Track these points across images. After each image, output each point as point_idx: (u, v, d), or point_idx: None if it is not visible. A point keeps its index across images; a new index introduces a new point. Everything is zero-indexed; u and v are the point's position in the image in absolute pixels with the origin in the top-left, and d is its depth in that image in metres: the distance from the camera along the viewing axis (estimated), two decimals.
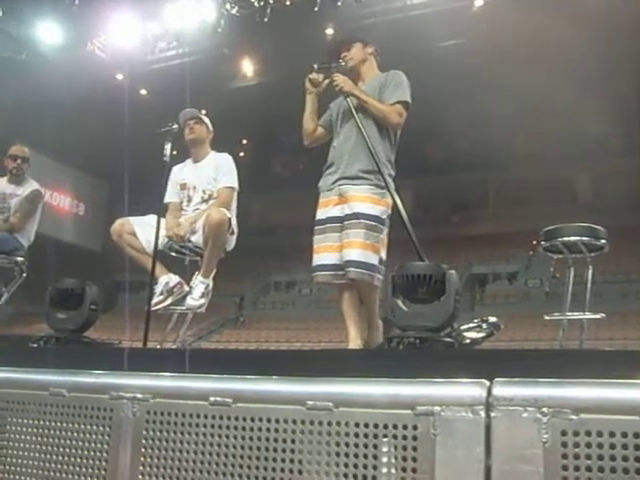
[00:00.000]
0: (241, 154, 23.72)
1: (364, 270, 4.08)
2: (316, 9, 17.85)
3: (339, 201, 4.28)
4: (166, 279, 5.03)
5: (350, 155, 4.31)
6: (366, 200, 4.18)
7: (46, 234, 10.78)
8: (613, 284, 21.32)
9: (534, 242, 5.36)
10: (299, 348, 18.79)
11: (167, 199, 5.32)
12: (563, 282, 5.41)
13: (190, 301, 4.98)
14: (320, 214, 4.40)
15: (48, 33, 19.95)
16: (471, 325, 3.42)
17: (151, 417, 2.57)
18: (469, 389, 2.11)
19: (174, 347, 5.35)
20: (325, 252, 4.30)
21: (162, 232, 4.87)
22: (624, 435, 1.89)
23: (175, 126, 4.86)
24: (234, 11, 18.82)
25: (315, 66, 4.45)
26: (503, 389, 2.06)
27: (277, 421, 2.33)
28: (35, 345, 3.60)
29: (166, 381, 2.65)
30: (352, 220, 4.16)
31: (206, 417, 2.47)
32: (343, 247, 4.18)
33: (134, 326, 5.57)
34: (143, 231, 4.96)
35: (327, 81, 4.47)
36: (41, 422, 2.81)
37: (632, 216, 22.31)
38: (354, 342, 4.18)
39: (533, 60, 17.66)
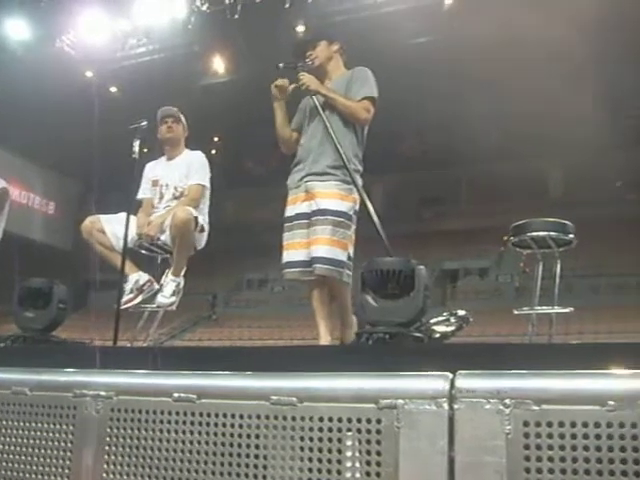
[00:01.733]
0: (213, 151, 23.65)
1: (331, 266, 4.09)
2: (287, 6, 17.85)
3: (306, 197, 4.27)
4: (136, 277, 5.01)
5: (316, 152, 4.31)
6: (333, 196, 4.18)
7: (15, 233, 10.65)
8: (583, 278, 21.52)
9: (504, 237, 5.39)
10: (272, 345, 18.76)
11: (140, 195, 5.31)
12: (533, 277, 5.45)
13: (161, 299, 4.97)
14: (288, 211, 4.40)
15: (16, 30, 19.77)
16: (440, 319, 3.42)
17: (115, 414, 2.56)
18: (432, 382, 2.12)
19: (144, 345, 5.33)
20: (293, 249, 4.30)
21: (132, 230, 4.85)
22: (585, 425, 1.91)
23: (144, 123, 4.83)
24: (204, 8, 18.78)
25: (280, 66, 4.43)
26: (466, 381, 2.08)
27: (241, 416, 2.33)
28: (2, 345, 3.56)
29: (130, 378, 2.64)
30: (319, 216, 4.16)
31: (170, 413, 2.46)
32: (310, 244, 4.18)
33: (105, 325, 5.53)
34: (113, 229, 4.93)
35: (293, 86, 4.46)
36: (3, 422, 2.79)
37: (603, 210, 22.60)
38: (324, 339, 4.18)
39: (504, 57, 17.75)
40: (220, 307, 26.90)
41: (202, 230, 5.10)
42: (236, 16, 18.35)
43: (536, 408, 1.95)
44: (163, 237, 4.99)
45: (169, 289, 4.97)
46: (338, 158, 4.13)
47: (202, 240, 5.17)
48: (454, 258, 26.25)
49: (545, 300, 5.32)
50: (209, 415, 2.39)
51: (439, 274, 25.01)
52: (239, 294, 28.90)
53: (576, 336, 16.29)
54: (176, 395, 2.45)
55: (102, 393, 2.59)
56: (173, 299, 4.98)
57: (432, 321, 3.32)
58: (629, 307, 18.96)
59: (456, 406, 2.05)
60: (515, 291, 22.27)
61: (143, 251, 5.15)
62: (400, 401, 2.10)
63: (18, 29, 19.78)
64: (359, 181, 4.20)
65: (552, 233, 5.07)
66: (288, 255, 4.33)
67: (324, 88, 4.37)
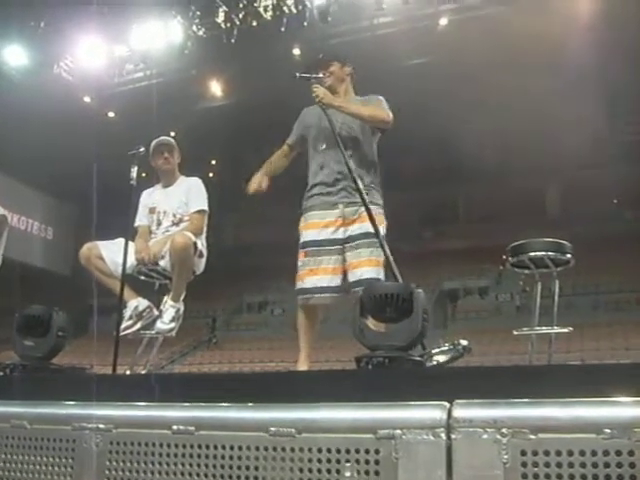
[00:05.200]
0: (210, 175, 23.74)
1: None
2: (282, 29, 17.98)
3: (343, 223, 4.31)
4: (135, 303, 4.99)
5: (344, 176, 4.28)
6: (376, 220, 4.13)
7: (14, 259, 10.64)
8: (583, 296, 21.52)
9: (504, 257, 5.36)
10: (273, 368, 18.70)
11: (137, 222, 5.28)
12: (533, 296, 5.43)
13: (160, 325, 4.94)
14: (315, 235, 4.37)
15: (14, 56, 19.88)
16: (443, 349, 3.44)
17: (114, 447, 2.54)
18: (430, 412, 2.11)
19: (143, 372, 5.31)
20: (325, 274, 4.29)
21: (131, 256, 4.84)
22: (582, 453, 1.91)
23: (142, 149, 4.82)
24: (201, 32, 18.92)
25: (297, 75, 4.45)
26: (463, 411, 2.08)
27: (240, 448, 2.32)
28: (1, 374, 3.55)
29: (128, 410, 2.63)
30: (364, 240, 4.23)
31: (169, 446, 2.45)
32: (353, 266, 4.21)
33: (105, 350, 5.51)
34: (111, 255, 4.92)
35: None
36: (2, 455, 2.77)
37: (601, 227, 22.65)
38: (305, 365, 4.22)
39: (498, 76, 17.85)
40: (220, 330, 26.82)
41: (201, 255, 5.08)
42: (232, 40, 18.48)
43: (533, 437, 1.95)
44: (162, 263, 4.97)
45: (168, 315, 4.95)
46: (375, 180, 4.32)
47: (201, 265, 5.16)
48: (454, 277, 26.23)
49: (545, 319, 5.30)
50: (208, 447, 2.38)
51: (439, 294, 24.97)
52: (239, 317, 28.84)
53: (577, 354, 16.27)
54: (175, 427, 2.44)
55: (101, 426, 2.57)
56: (173, 325, 4.96)
57: (435, 351, 3.33)
58: (629, 324, 18.97)
59: (454, 436, 2.05)
60: (516, 310, 22.25)
61: (142, 277, 5.14)
62: (398, 431, 2.10)
63: (16, 55, 19.90)
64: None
65: (550, 253, 5.04)
66: (319, 280, 4.30)
67: (337, 101, 4.39)
